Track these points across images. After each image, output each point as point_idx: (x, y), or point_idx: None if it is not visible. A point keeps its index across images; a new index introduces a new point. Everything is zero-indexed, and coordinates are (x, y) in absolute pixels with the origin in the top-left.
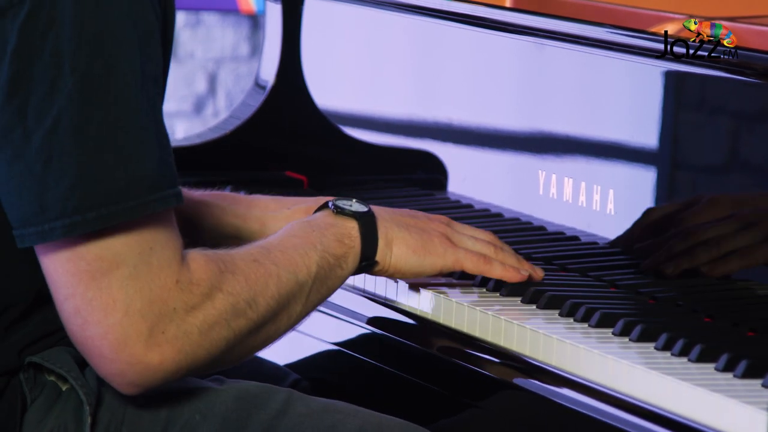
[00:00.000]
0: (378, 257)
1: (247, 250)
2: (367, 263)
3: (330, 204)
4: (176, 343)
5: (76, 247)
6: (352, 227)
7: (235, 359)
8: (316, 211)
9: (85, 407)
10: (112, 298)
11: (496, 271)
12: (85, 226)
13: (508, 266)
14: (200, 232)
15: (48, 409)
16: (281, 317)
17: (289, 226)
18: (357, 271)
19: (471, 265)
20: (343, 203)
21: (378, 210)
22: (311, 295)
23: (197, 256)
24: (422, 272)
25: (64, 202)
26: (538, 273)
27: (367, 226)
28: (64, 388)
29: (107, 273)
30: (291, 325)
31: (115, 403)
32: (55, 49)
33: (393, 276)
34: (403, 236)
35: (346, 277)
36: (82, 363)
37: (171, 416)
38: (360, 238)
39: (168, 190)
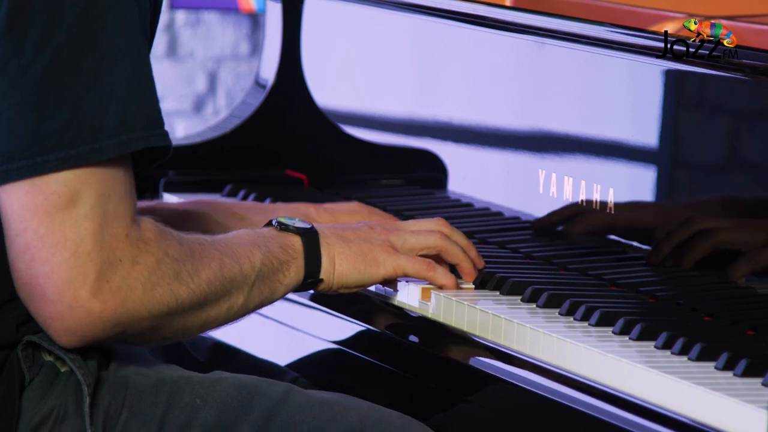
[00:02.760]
0: (323, 274)
1: (194, 236)
2: (313, 281)
3: (274, 221)
4: (119, 294)
5: (37, 182)
6: (296, 241)
7: (173, 335)
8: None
9: (83, 388)
10: (64, 235)
11: (439, 279)
12: (79, 159)
13: (450, 275)
14: None
15: (47, 388)
16: (222, 303)
17: (234, 232)
18: (303, 288)
19: (412, 271)
20: (287, 220)
21: (320, 227)
22: (254, 290)
23: (148, 222)
24: (365, 284)
25: (61, 134)
26: (479, 263)
27: (310, 242)
28: (62, 370)
29: (63, 209)
30: (231, 317)
31: (115, 385)
32: None
33: (338, 291)
34: (344, 251)
35: (290, 287)
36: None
37: (171, 399)
38: (303, 252)
39: (162, 129)
